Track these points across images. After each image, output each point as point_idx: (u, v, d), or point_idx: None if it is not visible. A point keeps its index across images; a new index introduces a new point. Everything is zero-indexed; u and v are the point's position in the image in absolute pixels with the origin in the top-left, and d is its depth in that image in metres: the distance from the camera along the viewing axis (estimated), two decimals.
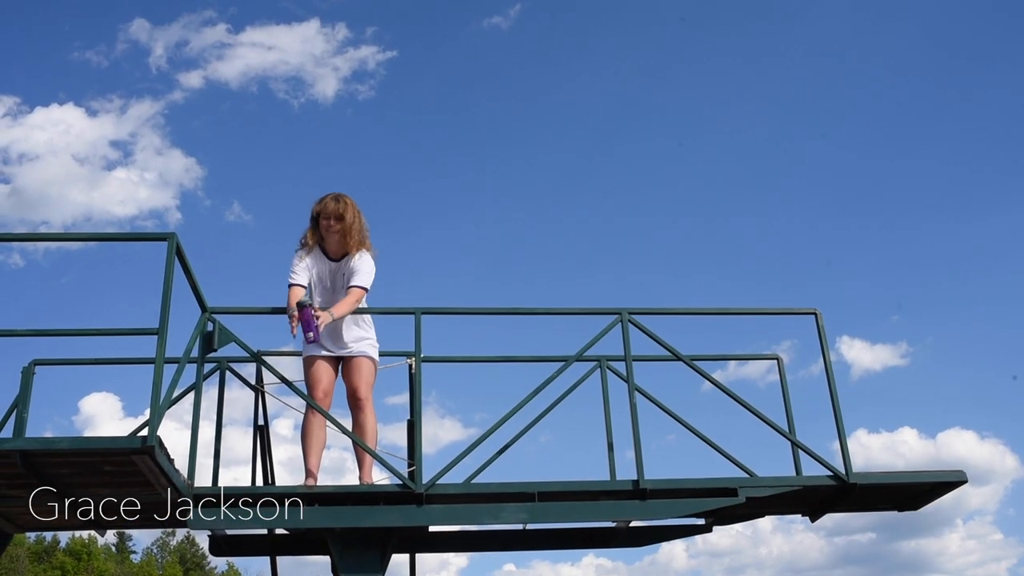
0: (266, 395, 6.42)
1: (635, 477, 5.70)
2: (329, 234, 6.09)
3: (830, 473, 5.89)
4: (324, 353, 6.03)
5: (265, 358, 6.09)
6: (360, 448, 5.89)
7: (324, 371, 6.03)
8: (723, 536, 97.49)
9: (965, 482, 6.01)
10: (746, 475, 5.98)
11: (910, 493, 6.30)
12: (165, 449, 4.81)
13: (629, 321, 6.07)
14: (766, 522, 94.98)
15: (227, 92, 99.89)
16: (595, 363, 6.52)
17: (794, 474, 6.29)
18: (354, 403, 6.05)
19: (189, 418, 5.76)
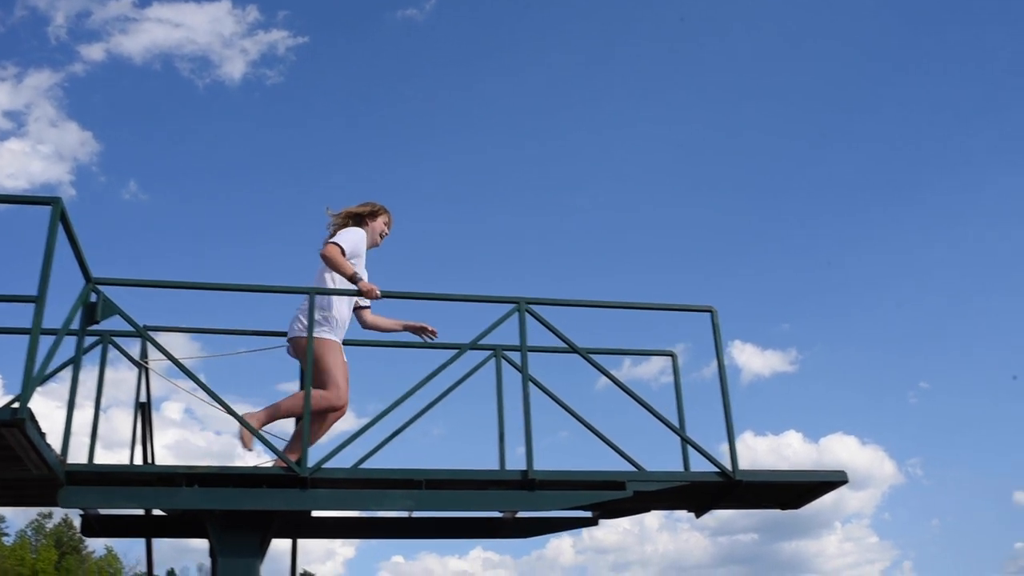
0: (150, 372, 6.21)
1: (525, 468, 5.67)
2: (373, 236, 6.70)
3: (717, 470, 5.94)
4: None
5: (152, 334, 5.89)
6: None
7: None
8: (610, 533, 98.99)
9: (846, 482, 6.12)
10: (635, 469, 6.00)
11: (793, 492, 6.40)
12: (36, 423, 4.60)
13: (526, 311, 6.04)
14: (653, 520, 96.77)
15: (130, 67, 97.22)
16: (491, 352, 6.47)
17: (683, 470, 6.33)
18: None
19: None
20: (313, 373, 5.91)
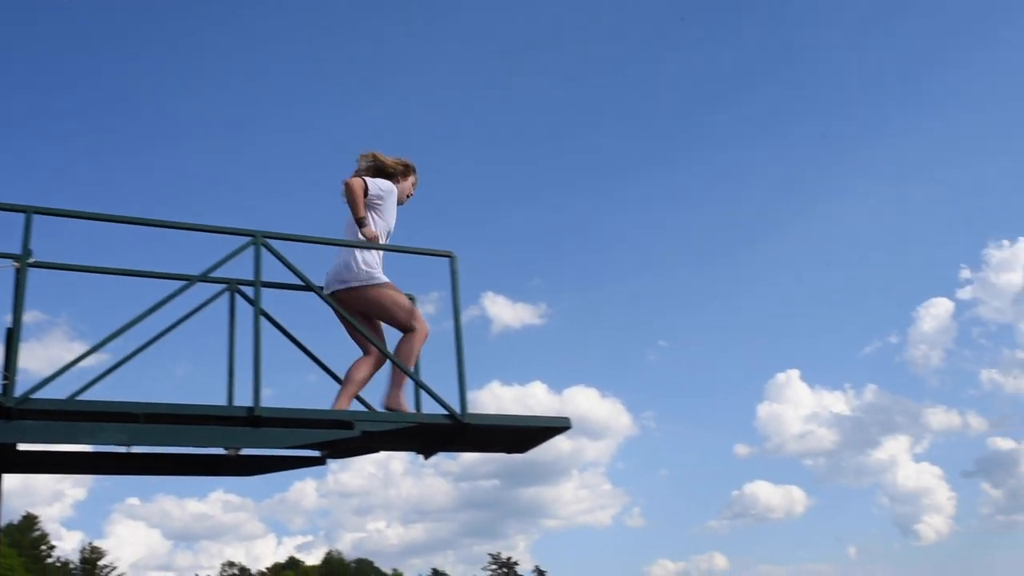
0: None
1: (252, 404, 5.54)
2: (401, 195, 6.76)
3: (446, 412, 6.02)
4: None
5: None
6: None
7: None
8: (355, 476, 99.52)
9: (569, 428, 6.33)
10: (366, 409, 6.00)
11: (519, 436, 6.53)
12: None
13: (263, 244, 5.88)
14: (398, 464, 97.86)
15: None
16: (225, 286, 6.28)
17: (414, 412, 6.39)
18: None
19: None
20: (392, 316, 6.28)
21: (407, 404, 6.30)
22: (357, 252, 6.27)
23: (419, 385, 6.31)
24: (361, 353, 6.34)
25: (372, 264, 6.29)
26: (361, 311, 6.30)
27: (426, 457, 6.60)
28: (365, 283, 6.23)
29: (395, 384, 6.28)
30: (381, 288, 6.26)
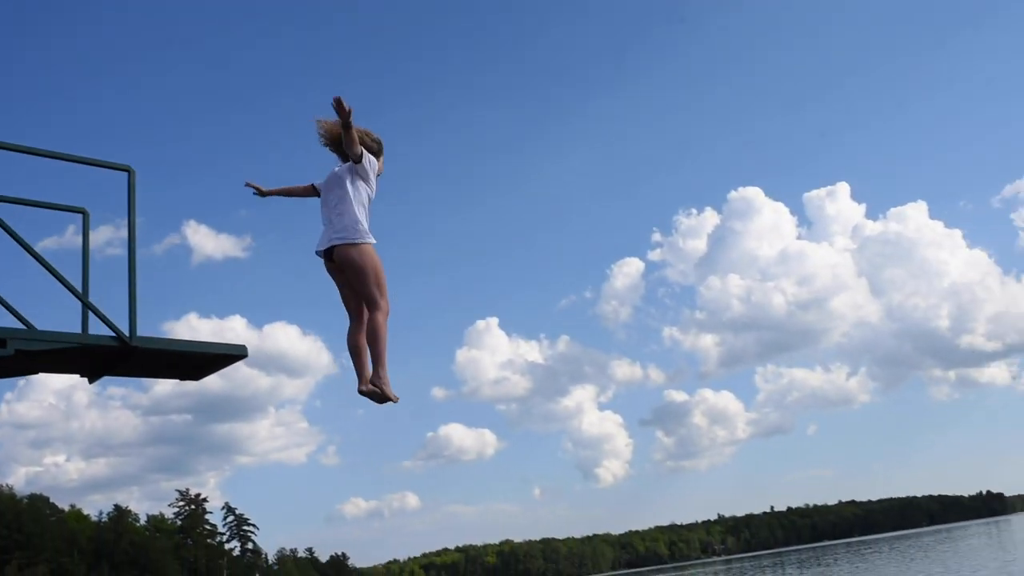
0: None
1: None
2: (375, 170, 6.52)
3: (113, 334, 5.74)
4: None
5: None
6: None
7: None
8: (32, 408, 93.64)
9: (245, 356, 6.23)
10: (23, 327, 5.62)
11: (193, 362, 6.35)
12: None
13: None
14: (82, 396, 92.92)
15: None
16: None
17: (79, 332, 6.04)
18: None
19: None
20: (371, 280, 6.08)
21: (390, 387, 6.06)
22: (358, 211, 6.19)
23: (86, 305, 5.97)
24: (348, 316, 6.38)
25: (366, 225, 6.21)
26: (344, 269, 6.18)
27: (91, 381, 6.31)
28: (356, 240, 6.11)
29: (377, 365, 6.06)
30: (373, 251, 6.18)
